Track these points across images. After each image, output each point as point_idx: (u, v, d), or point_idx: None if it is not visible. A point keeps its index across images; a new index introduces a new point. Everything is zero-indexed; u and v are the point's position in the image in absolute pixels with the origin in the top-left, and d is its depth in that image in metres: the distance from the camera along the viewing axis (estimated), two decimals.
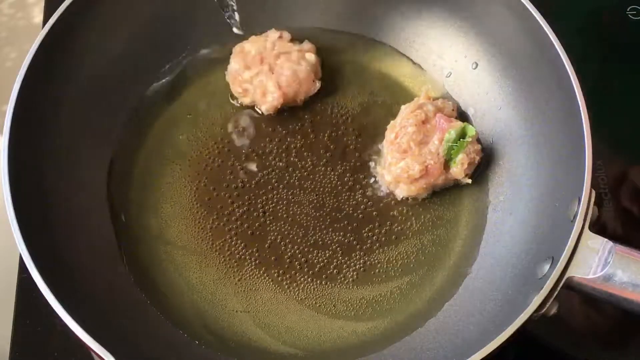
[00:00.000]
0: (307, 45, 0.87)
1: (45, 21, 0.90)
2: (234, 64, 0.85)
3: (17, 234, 0.66)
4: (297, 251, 0.78)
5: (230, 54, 0.86)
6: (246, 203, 0.80)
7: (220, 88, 0.87)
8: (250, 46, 0.85)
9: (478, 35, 0.85)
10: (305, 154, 0.83)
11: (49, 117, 0.76)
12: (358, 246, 0.79)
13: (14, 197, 0.68)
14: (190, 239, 0.78)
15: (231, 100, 0.86)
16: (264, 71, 0.84)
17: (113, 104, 0.82)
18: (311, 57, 0.85)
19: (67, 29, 0.77)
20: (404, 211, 0.81)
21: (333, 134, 0.85)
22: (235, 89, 0.85)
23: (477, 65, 0.85)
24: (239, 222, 0.79)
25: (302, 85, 0.84)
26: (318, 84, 0.85)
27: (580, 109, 0.70)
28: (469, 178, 0.80)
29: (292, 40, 0.87)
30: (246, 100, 0.85)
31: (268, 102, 0.84)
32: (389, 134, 0.81)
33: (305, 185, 0.81)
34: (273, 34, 0.86)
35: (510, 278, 0.74)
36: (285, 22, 0.89)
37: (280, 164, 0.83)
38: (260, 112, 0.85)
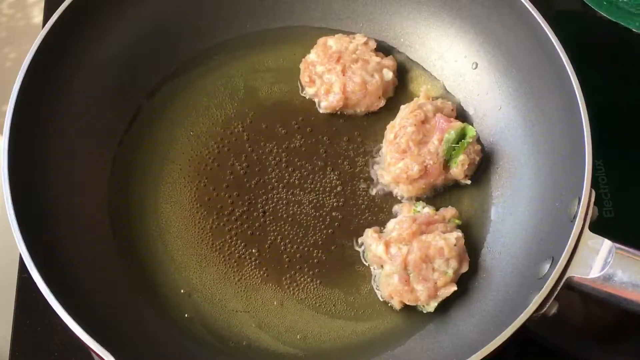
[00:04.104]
0: (388, 61, 0.85)
1: (45, 21, 0.90)
2: (313, 55, 0.85)
3: (17, 234, 0.66)
4: (297, 251, 0.78)
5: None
6: (246, 203, 0.80)
7: (220, 88, 0.87)
8: (333, 42, 0.85)
9: (478, 35, 0.85)
10: (305, 154, 0.83)
11: (49, 117, 0.76)
12: None
13: (14, 197, 0.68)
14: (190, 239, 0.78)
15: (299, 90, 0.86)
16: (336, 70, 0.83)
17: (113, 104, 0.82)
18: (388, 74, 0.84)
19: (67, 29, 0.77)
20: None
21: (333, 133, 0.85)
22: (304, 78, 0.86)
23: (477, 65, 0.85)
24: (239, 222, 0.79)
25: (367, 97, 0.83)
26: (382, 102, 0.84)
27: (580, 109, 0.71)
28: (468, 179, 0.80)
29: (377, 50, 0.86)
30: (310, 92, 0.86)
31: (328, 101, 0.84)
32: (389, 134, 0.81)
33: (305, 185, 0.81)
34: (360, 38, 0.85)
35: (510, 278, 0.74)
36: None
37: (281, 164, 0.83)
38: (318, 108, 0.85)
